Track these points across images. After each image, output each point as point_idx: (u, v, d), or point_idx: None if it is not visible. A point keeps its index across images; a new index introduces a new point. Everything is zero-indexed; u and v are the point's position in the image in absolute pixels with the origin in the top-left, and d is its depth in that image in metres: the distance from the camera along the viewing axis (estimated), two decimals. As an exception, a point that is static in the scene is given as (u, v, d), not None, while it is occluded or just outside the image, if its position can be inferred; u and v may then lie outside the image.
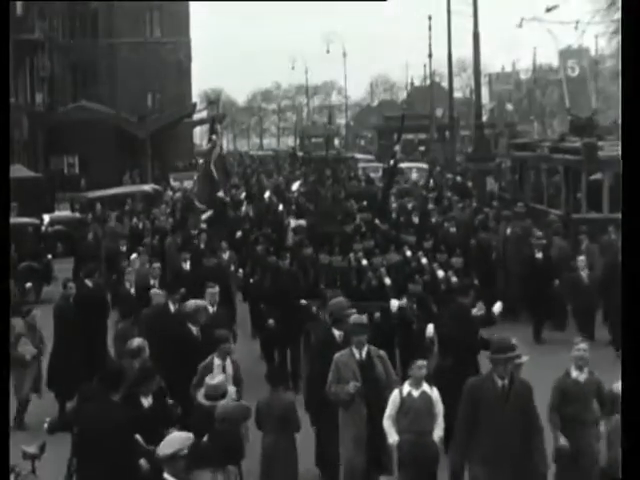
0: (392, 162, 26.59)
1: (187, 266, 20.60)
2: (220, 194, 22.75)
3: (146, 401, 10.75)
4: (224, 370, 11.94)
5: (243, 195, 36.19)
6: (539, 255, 21.34)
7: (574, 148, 25.92)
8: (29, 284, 25.33)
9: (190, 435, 8.50)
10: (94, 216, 32.47)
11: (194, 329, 13.70)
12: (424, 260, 20.27)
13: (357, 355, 11.50)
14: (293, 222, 26.31)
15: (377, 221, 25.56)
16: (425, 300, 16.75)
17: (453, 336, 13.67)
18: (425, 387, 11.02)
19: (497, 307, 15.05)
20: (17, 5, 50.63)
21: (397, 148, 26.60)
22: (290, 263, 19.22)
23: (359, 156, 65.85)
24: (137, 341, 12.46)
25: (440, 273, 18.77)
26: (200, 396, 10.33)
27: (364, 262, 19.48)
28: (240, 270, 21.95)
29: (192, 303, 14.08)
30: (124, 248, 24.44)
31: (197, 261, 20.58)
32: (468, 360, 13.42)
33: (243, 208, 30.82)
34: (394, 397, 11.03)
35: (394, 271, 18.47)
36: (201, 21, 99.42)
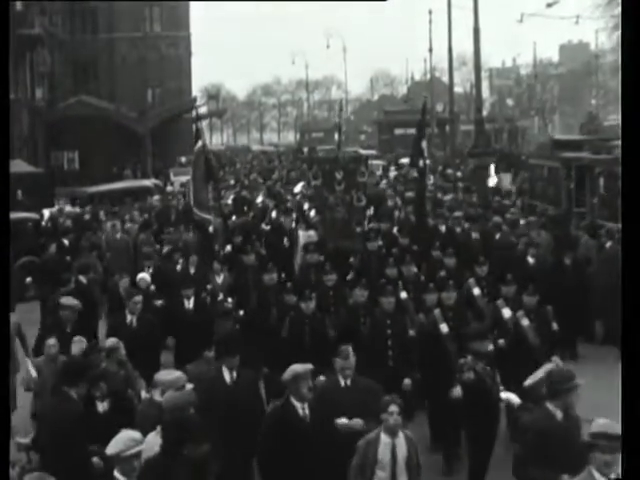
0: (421, 163, 21.28)
1: (190, 304, 15.90)
2: (210, 200, 20.19)
3: (101, 406, 10.54)
4: (394, 450, 9.46)
5: (231, 199, 31.24)
6: None
7: None
8: (29, 279, 25.31)
9: (137, 436, 8.39)
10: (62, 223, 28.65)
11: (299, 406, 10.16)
12: (476, 291, 15.79)
13: None
14: (302, 235, 21.83)
15: (396, 232, 21.82)
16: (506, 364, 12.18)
17: None
18: None
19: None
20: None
21: (424, 145, 21.44)
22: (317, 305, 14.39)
23: (362, 152, 65.46)
24: (111, 341, 12.36)
25: (506, 313, 14.15)
26: (156, 394, 10.12)
27: (403, 295, 15.44)
28: (230, 299, 17.29)
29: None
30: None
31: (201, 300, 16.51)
32: None
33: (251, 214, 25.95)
34: None
35: (456, 316, 13.76)
36: (201, 16, 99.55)
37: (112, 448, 8.12)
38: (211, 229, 19.90)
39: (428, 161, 22.19)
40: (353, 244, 20.07)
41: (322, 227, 21.79)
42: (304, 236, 21.67)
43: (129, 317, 14.37)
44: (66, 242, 23.98)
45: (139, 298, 14.49)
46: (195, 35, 75.25)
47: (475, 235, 21.04)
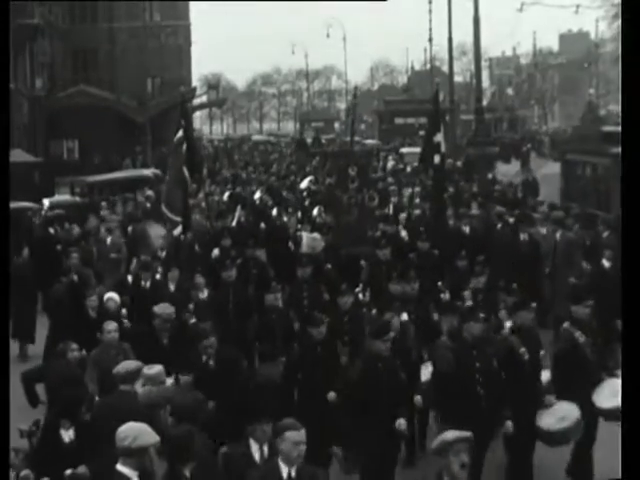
0: (437, 159, 18.60)
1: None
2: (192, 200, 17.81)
3: (67, 435, 9.43)
4: None
5: (226, 195, 28.70)
6: None
7: None
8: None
9: (149, 428, 7.89)
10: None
11: None
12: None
13: None
14: (306, 237, 19.12)
15: (404, 234, 19.29)
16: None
17: None
18: None
19: None
20: (17, -11, 50.46)
21: (439, 138, 18.57)
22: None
23: (367, 142, 64.62)
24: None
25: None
26: (138, 387, 9.76)
27: (404, 317, 12.47)
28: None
29: None
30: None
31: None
32: None
33: (236, 214, 22.13)
34: None
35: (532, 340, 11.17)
36: (201, 5, 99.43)
37: (124, 439, 7.70)
38: (177, 232, 17.52)
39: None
40: (365, 250, 17.19)
41: (335, 231, 19.40)
42: (309, 239, 19.05)
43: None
44: (52, 231, 23.44)
45: (113, 326, 12.29)
46: (195, 25, 75.15)
47: (524, 237, 18.14)
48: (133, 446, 7.62)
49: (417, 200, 24.37)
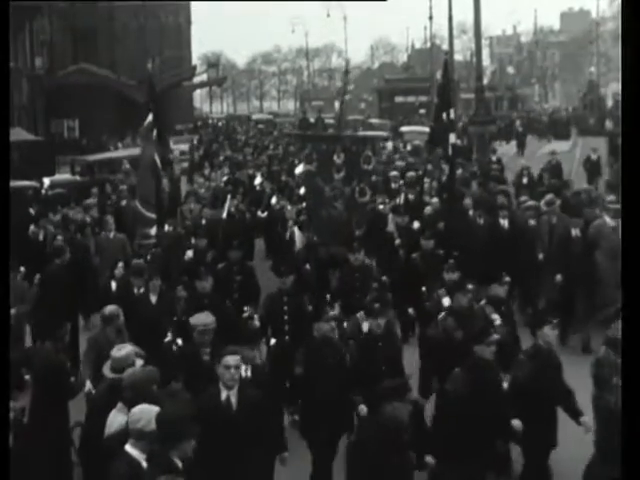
0: (454, 138, 16.75)
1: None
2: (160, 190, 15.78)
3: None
4: None
5: (223, 181, 26.90)
6: None
7: None
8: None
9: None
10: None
11: None
12: (446, 301, 11.74)
13: None
14: (298, 232, 17.53)
15: (415, 226, 17.16)
16: None
17: None
18: None
19: None
20: (16, -32, 50.27)
21: (452, 115, 16.65)
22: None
23: (373, 121, 63.19)
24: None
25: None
26: (106, 369, 9.39)
27: (365, 326, 10.75)
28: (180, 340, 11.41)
29: None
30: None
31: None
32: None
33: (226, 205, 19.25)
34: None
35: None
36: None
37: (138, 421, 7.52)
38: (153, 231, 15.42)
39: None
40: (348, 253, 14.39)
41: (313, 228, 16.99)
42: (298, 239, 17.37)
43: None
44: (32, 211, 22.39)
45: (111, 309, 11.34)
46: (195, 3, 75.08)
47: (576, 232, 15.56)
48: (146, 429, 7.47)
49: (426, 181, 22.60)
